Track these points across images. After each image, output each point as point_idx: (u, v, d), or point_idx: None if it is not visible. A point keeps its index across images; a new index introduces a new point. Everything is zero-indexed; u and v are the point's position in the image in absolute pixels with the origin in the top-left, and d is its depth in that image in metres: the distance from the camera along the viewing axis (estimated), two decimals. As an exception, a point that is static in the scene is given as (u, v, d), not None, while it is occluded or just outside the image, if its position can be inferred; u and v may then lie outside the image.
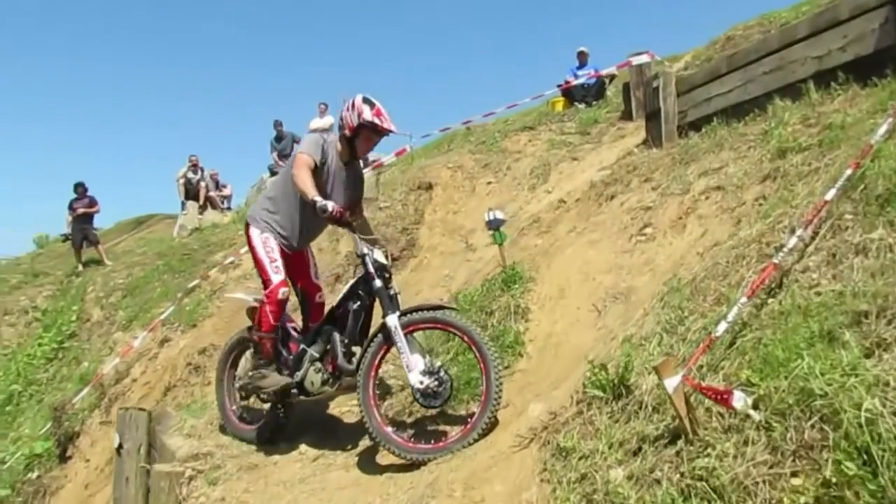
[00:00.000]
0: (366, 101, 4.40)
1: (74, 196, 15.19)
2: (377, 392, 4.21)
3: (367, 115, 4.35)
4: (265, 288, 4.50)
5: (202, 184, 15.88)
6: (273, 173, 15.90)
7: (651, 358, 3.11)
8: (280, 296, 4.45)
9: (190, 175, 15.91)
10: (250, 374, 4.68)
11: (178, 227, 16.03)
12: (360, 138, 4.46)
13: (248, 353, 5.12)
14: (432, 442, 3.95)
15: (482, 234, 7.90)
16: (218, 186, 16.55)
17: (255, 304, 4.80)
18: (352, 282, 4.45)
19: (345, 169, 4.60)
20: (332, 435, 4.95)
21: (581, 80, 11.44)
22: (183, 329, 8.90)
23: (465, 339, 4.05)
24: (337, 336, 4.35)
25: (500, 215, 5.43)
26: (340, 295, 4.45)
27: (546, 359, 4.43)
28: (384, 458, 4.19)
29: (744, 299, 2.72)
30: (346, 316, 4.35)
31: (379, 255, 4.27)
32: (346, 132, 4.44)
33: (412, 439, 4.07)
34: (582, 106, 11.23)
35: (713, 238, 4.37)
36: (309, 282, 4.93)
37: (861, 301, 2.47)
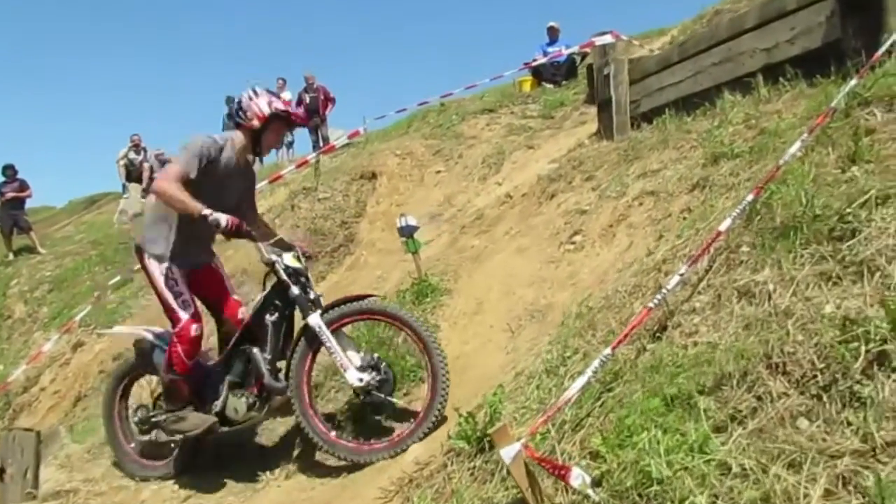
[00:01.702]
0: (269, 91, 4.35)
1: (3, 179, 14.94)
2: (314, 399, 4.21)
3: (278, 104, 4.29)
4: (174, 326, 4.23)
5: (145, 164, 15.61)
6: (229, 154, 15.66)
7: (523, 407, 3.02)
8: (193, 333, 4.18)
9: (132, 156, 15.65)
10: (164, 417, 4.41)
11: (119, 212, 15.81)
12: (269, 131, 4.29)
13: (144, 382, 5.00)
14: (383, 441, 3.94)
15: (426, 229, 7.76)
16: (164, 167, 16.23)
17: (148, 338, 4.64)
18: (264, 292, 4.27)
19: (241, 168, 4.40)
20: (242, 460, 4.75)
21: (548, 59, 11.19)
22: (99, 332, 8.72)
23: (400, 326, 4.10)
24: (258, 353, 4.18)
25: (412, 221, 5.33)
26: (253, 309, 4.31)
27: (452, 385, 4.30)
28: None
29: (608, 350, 2.60)
30: (265, 330, 4.21)
31: (290, 260, 4.16)
32: (255, 123, 4.23)
33: (360, 441, 4.05)
34: (550, 87, 11.04)
35: (635, 253, 4.28)
36: (226, 299, 4.59)
37: (728, 359, 2.36)
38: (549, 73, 11.26)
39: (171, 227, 4.24)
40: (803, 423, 2.03)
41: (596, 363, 2.59)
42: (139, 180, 15.77)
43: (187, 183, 3.98)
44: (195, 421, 4.28)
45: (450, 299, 5.11)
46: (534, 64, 10.99)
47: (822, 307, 2.30)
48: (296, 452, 4.52)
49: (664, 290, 2.79)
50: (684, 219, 4.13)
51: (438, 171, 8.84)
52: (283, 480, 4.24)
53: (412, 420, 3.93)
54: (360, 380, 3.90)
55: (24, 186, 15.02)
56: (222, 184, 4.20)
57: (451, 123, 10.14)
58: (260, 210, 10.49)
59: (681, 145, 5.26)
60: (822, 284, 2.41)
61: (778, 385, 2.16)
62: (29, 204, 15.77)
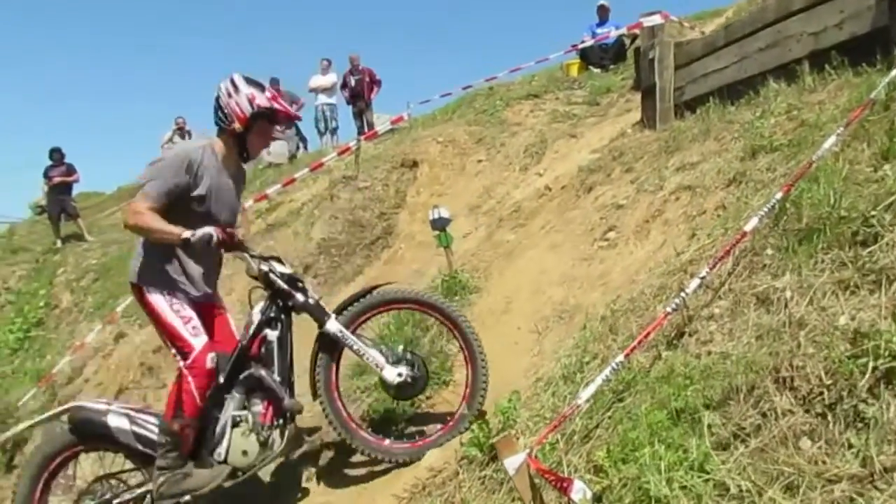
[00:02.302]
0: (251, 82, 3.75)
1: (50, 163, 14.91)
2: (345, 405, 3.97)
3: (262, 100, 3.70)
4: (184, 358, 3.65)
5: (190, 148, 15.88)
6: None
7: (537, 415, 3.02)
8: (209, 364, 3.65)
9: (176, 139, 15.92)
10: (161, 481, 3.66)
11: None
12: (253, 132, 3.77)
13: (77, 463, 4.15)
14: (418, 438, 3.92)
15: (465, 220, 7.83)
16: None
17: (89, 406, 3.99)
18: (256, 309, 3.87)
19: (229, 175, 3.87)
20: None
21: (595, 41, 10.98)
22: (141, 323, 8.94)
23: (424, 309, 4.00)
24: (268, 375, 3.74)
25: (444, 214, 5.31)
26: (249, 329, 3.83)
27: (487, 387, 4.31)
28: None
29: (620, 358, 2.60)
30: (270, 349, 3.80)
31: (281, 267, 3.89)
32: (237, 126, 3.70)
33: (400, 441, 3.98)
34: (597, 71, 10.88)
35: (667, 252, 4.22)
36: (227, 334, 4.05)
37: (737, 372, 2.33)
38: (597, 57, 11.07)
39: (171, 253, 3.75)
40: (806, 442, 2.00)
41: (607, 371, 2.59)
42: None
43: (166, 208, 3.56)
44: (204, 476, 3.69)
45: (479, 297, 5.12)
46: (581, 46, 10.85)
47: (837, 318, 2.25)
48: (315, 459, 4.51)
49: (682, 295, 2.76)
50: (718, 216, 4.07)
51: (480, 161, 8.83)
52: (304, 484, 4.27)
53: (459, 404, 3.87)
54: (399, 375, 3.73)
55: (70, 171, 14.97)
56: (214, 198, 3.75)
57: (494, 109, 10.11)
58: (301, 200, 10.77)
59: (722, 136, 5.17)
60: (840, 293, 2.35)
61: (784, 401, 2.12)
62: (78, 189, 15.96)
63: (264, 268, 3.82)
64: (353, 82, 15.01)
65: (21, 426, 4.80)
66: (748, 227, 2.90)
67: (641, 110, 6.94)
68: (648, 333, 2.66)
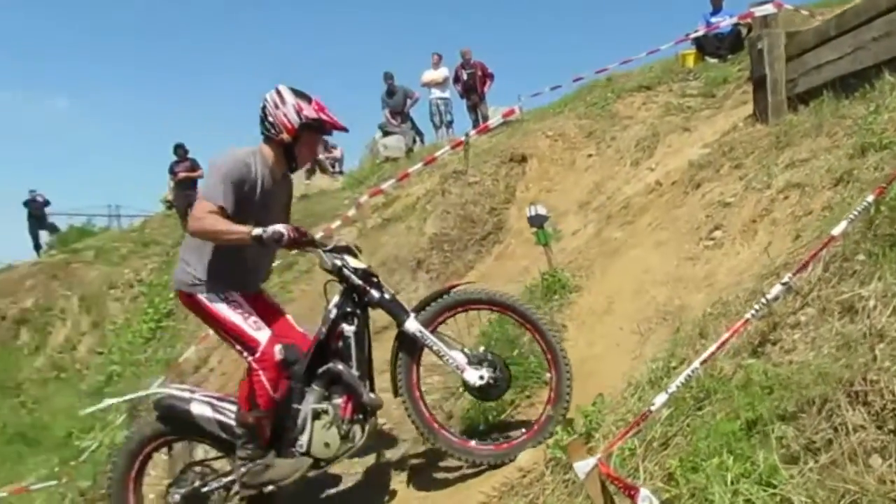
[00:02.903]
0: (297, 93, 3.82)
1: (175, 159, 15.53)
2: (428, 405, 4.00)
3: (309, 111, 3.78)
4: (252, 353, 3.75)
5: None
6: (385, 133, 16.26)
7: (621, 419, 3.14)
8: (277, 355, 3.74)
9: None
10: (244, 471, 3.80)
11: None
12: (301, 143, 3.85)
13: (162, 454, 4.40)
14: (502, 441, 3.93)
15: (575, 217, 7.93)
16: (327, 148, 17.04)
17: (174, 394, 4.13)
18: (332, 304, 3.92)
19: (279, 183, 3.97)
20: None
21: (709, 30, 10.71)
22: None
23: (504, 310, 3.96)
24: (346, 370, 3.82)
25: (542, 211, 5.38)
26: (324, 325, 3.90)
27: (574, 391, 4.40)
28: None
29: (696, 365, 2.70)
30: (347, 344, 3.87)
31: (355, 262, 3.91)
32: (284, 137, 3.78)
33: (485, 443, 3.99)
34: (714, 61, 10.64)
35: (773, 252, 4.22)
36: (287, 323, 4.17)
37: (814, 383, 2.39)
38: (713, 47, 10.79)
39: (214, 254, 3.83)
40: (876, 460, 2.04)
41: (681, 379, 2.69)
42: (305, 162, 16.69)
43: (224, 215, 3.61)
44: (287, 467, 3.80)
45: (579, 297, 5.21)
46: (693, 35, 10.64)
47: (921, 331, 2.28)
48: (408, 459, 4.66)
49: (762, 301, 2.83)
50: (824, 217, 4.03)
51: (590, 155, 8.87)
52: (394, 485, 4.40)
53: (543, 407, 3.90)
54: (482, 377, 3.71)
55: (194, 166, 15.42)
56: (264, 206, 3.82)
57: (606, 102, 10.09)
58: (416, 194, 11.09)
59: (835, 132, 5.06)
60: (929, 304, 2.38)
61: (856, 416, 2.16)
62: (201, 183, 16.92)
63: (338, 263, 3.85)
64: (465, 76, 15.23)
65: (113, 401, 5.05)
66: (836, 231, 2.92)
67: (753, 103, 6.81)
68: (725, 341, 2.74)
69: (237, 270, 3.88)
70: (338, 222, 11.38)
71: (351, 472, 4.77)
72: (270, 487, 3.81)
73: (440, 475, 4.21)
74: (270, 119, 3.80)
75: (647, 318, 4.65)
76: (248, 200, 3.70)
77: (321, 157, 16.73)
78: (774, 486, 2.15)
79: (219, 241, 3.68)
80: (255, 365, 3.74)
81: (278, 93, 3.81)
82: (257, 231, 3.52)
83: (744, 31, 10.45)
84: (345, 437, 3.80)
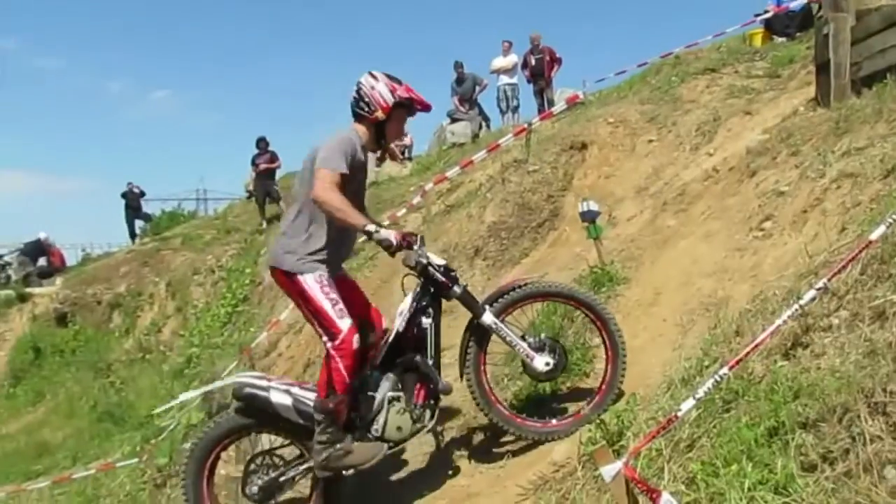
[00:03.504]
0: (389, 76, 4.09)
1: (256, 151, 16.37)
2: (490, 384, 4.27)
3: (401, 91, 4.05)
4: (332, 339, 3.91)
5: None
6: (453, 119, 16.29)
7: (652, 418, 3.11)
8: (355, 344, 3.90)
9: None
10: (324, 454, 3.93)
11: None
12: (393, 120, 4.10)
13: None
14: (568, 417, 4.19)
15: (631, 203, 7.80)
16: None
17: (249, 382, 4.23)
18: (410, 297, 4.15)
19: (365, 162, 4.19)
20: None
21: (780, 9, 10.29)
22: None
23: (570, 302, 4.27)
24: (423, 360, 4.06)
25: (594, 206, 5.38)
26: (403, 318, 4.10)
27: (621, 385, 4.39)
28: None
29: (724, 370, 2.65)
30: (423, 335, 4.09)
31: (436, 259, 4.13)
32: (379, 114, 4.02)
33: (540, 420, 4.24)
34: (782, 40, 10.24)
35: (820, 245, 4.08)
36: (368, 308, 4.42)
37: (837, 391, 2.32)
38: (782, 25, 10.37)
39: (316, 233, 4.03)
40: (890, 471, 1.99)
41: (709, 384, 2.65)
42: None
43: (340, 186, 3.83)
44: (367, 451, 3.98)
45: (627, 289, 5.16)
46: (764, 16, 10.27)
47: (941, 342, 2.19)
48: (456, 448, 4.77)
49: (796, 306, 2.75)
50: (871, 209, 3.89)
51: (650, 141, 8.68)
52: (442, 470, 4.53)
53: (591, 397, 4.16)
54: (547, 364, 4.02)
55: (274, 158, 16.29)
56: (356, 181, 4.08)
57: (669, 86, 9.85)
58: (479, 181, 11.09)
59: (894, 118, 4.87)
60: (952, 313, 2.28)
61: (874, 426, 2.10)
62: (280, 173, 17.44)
63: (423, 261, 4.04)
64: (533, 62, 15.14)
65: (188, 395, 5.27)
66: (874, 236, 2.81)
67: (816, 87, 6.58)
68: (755, 348, 2.68)
69: (334, 251, 4.08)
70: (403, 210, 11.50)
71: (400, 458, 4.87)
72: (350, 471, 4.00)
73: (483, 467, 4.35)
74: (366, 98, 4.04)
75: (690, 310, 4.61)
76: (352, 174, 3.93)
77: (391, 144, 16.86)
78: (790, 494, 2.13)
79: (333, 216, 3.84)
80: (333, 352, 3.91)
81: (373, 75, 4.08)
82: (371, 227, 3.77)
83: (815, 7, 10.04)
84: (416, 421, 4.05)
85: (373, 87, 4.03)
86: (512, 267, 8.13)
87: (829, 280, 2.77)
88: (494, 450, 4.39)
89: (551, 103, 14.24)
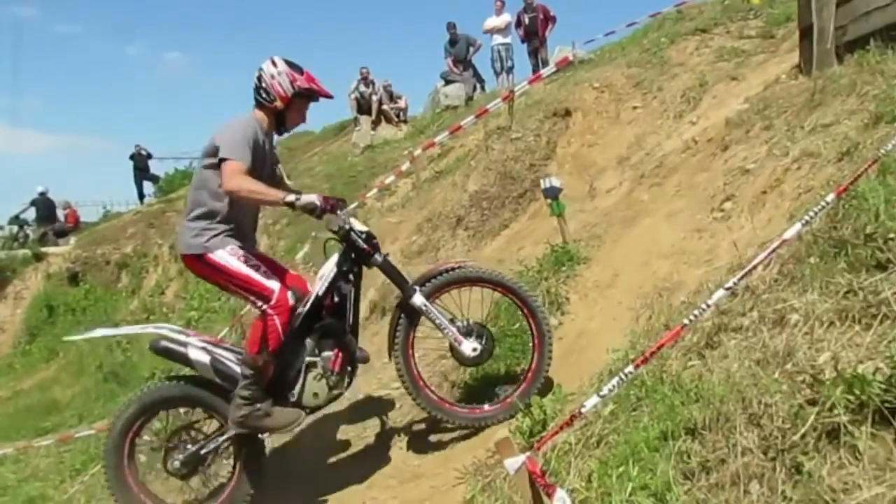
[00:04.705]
0: (291, 64, 4.19)
1: None
2: (418, 367, 4.34)
3: (302, 81, 4.16)
4: (266, 301, 4.03)
5: (374, 97, 16.67)
6: (447, 82, 16.21)
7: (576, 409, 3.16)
8: (291, 300, 4.07)
9: (362, 89, 16.73)
10: (244, 410, 4.04)
11: (352, 145, 17.12)
12: (292, 109, 4.24)
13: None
14: (495, 404, 4.27)
15: (613, 173, 7.77)
16: (392, 98, 17.20)
17: (167, 334, 4.32)
18: (331, 262, 4.23)
19: (269, 144, 4.30)
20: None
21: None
22: (316, 270, 9.62)
23: (497, 288, 4.30)
24: (339, 326, 4.18)
25: (556, 182, 5.40)
26: (324, 282, 4.19)
27: (566, 365, 4.40)
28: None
29: (630, 368, 2.68)
30: (343, 301, 4.21)
31: (359, 224, 4.22)
32: (279, 104, 4.16)
33: (473, 407, 4.35)
34: (780, -4, 10.03)
35: (773, 230, 4.08)
36: (288, 273, 4.50)
37: (726, 398, 2.36)
38: (783, -22, 10.19)
39: (218, 214, 4.13)
40: (755, 486, 2.04)
41: (614, 381, 2.69)
42: (370, 112, 16.87)
43: (249, 173, 3.93)
44: (286, 416, 4.13)
45: (587, 269, 5.17)
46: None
47: (820, 354, 2.21)
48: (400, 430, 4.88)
49: (703, 307, 2.77)
50: (820, 195, 3.86)
51: (635, 107, 8.60)
52: (393, 451, 4.65)
53: (519, 382, 4.26)
54: (475, 349, 4.13)
55: None
56: (263, 167, 4.16)
57: (658, 48, 9.72)
58: (468, 147, 11.03)
59: (865, 91, 4.82)
60: (837, 324, 2.29)
61: (748, 439, 2.15)
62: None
63: (345, 225, 4.13)
64: (526, 20, 14.99)
65: (102, 331, 5.07)
66: (788, 235, 2.82)
67: (799, 52, 6.46)
68: (661, 346, 2.71)
69: (240, 227, 4.22)
70: (392, 177, 11.49)
71: (348, 437, 5.07)
72: (266, 435, 4.24)
73: (433, 447, 4.48)
74: (266, 87, 4.16)
75: (645, 294, 4.62)
76: (257, 161, 4.02)
77: (385, 107, 16.86)
78: (667, 502, 2.17)
79: (252, 201, 4.08)
80: (270, 311, 4.03)
81: (274, 63, 4.18)
82: (290, 198, 3.89)
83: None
84: (332, 388, 4.18)
85: (272, 77, 4.14)
86: (492, 238, 8.15)
87: (737, 281, 2.77)
88: (447, 431, 4.48)
89: (546, 63, 14.12)
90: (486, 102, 11.55)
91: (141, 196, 22.52)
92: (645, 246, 5.12)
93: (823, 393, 2.00)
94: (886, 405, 1.85)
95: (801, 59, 6.33)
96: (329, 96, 4.37)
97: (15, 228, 21.91)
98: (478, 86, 16.45)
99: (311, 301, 4.19)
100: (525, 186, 8.50)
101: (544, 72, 11.29)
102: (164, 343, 4.26)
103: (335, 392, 4.21)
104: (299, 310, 4.17)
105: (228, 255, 4.10)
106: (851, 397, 1.92)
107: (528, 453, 2.58)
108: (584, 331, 4.68)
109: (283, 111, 4.22)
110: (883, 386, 1.87)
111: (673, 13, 11.74)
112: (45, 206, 21.55)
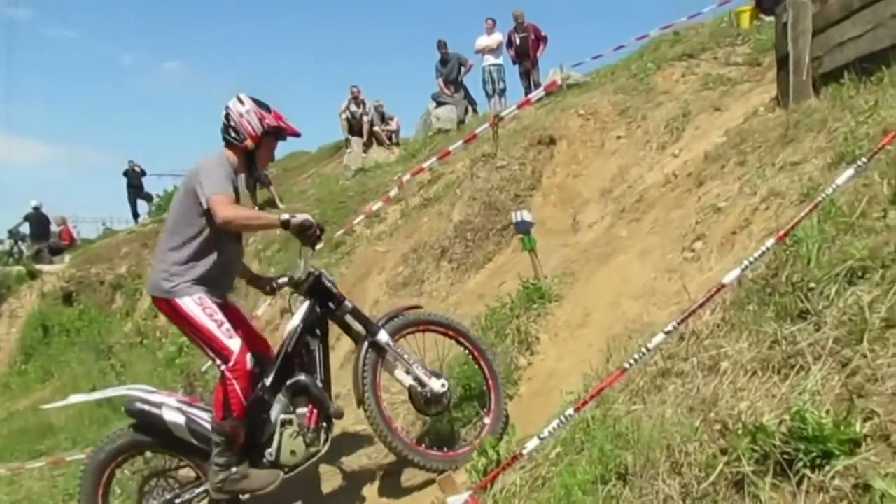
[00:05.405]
0: (258, 102, 4.29)
1: None
2: (386, 409, 4.35)
3: (270, 119, 4.27)
4: (225, 362, 4.05)
5: (365, 118, 16.83)
6: (438, 103, 16.41)
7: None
8: (248, 365, 4.07)
9: (353, 108, 16.89)
10: (221, 476, 4.06)
11: (343, 168, 17.28)
12: (262, 148, 4.34)
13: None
14: (464, 446, 4.35)
15: (596, 206, 7.94)
16: (384, 119, 17.35)
17: (142, 396, 4.35)
18: (297, 318, 4.31)
19: (238, 184, 4.32)
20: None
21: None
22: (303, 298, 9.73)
23: (454, 336, 4.51)
24: (312, 381, 4.22)
25: (527, 217, 5.54)
26: (291, 336, 4.28)
27: (534, 407, 4.54)
28: None
29: (570, 411, 2.83)
30: (312, 356, 4.30)
31: (326, 273, 4.40)
32: (249, 143, 4.24)
33: (445, 450, 4.40)
34: (769, 19, 10.23)
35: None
36: (254, 333, 4.62)
37: (654, 444, 2.50)
38: (771, 2, 10.36)
39: (202, 261, 4.17)
40: (673, 532, 2.17)
41: (554, 424, 2.84)
42: (361, 133, 17.02)
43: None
44: (263, 478, 4.13)
45: (558, 307, 5.31)
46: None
47: (740, 403, 2.36)
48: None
49: (643, 350, 2.92)
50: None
51: (619, 137, 8.78)
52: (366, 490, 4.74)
53: (482, 427, 4.39)
54: (443, 385, 4.30)
55: None
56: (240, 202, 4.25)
57: (645, 73, 9.92)
58: (457, 174, 11.20)
59: (835, 128, 4.95)
60: (759, 373, 2.44)
61: (670, 486, 2.29)
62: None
63: (315, 272, 4.29)
64: (517, 40, 15.20)
65: (76, 398, 4.99)
66: (727, 280, 2.97)
67: (777, 84, 6.60)
68: (600, 390, 2.86)
69: (215, 275, 4.23)
70: (380, 203, 11.64)
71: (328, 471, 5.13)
72: (247, 496, 4.17)
73: (402, 483, 4.56)
74: (235, 126, 4.25)
75: (615, 336, 4.71)
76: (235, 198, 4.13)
77: (377, 128, 17.04)
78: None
79: (250, 227, 4.34)
80: (228, 374, 4.05)
81: (240, 101, 4.29)
82: (285, 216, 4.00)
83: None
84: (309, 445, 4.19)
85: (241, 115, 4.24)
86: (476, 272, 8.29)
87: (676, 325, 2.92)
88: (404, 475, 4.58)
89: (537, 86, 14.27)
90: (477, 126, 11.74)
91: (135, 215, 22.94)
92: (615, 285, 5.26)
93: (732, 443, 2.15)
94: (785, 457, 1.99)
95: (779, 91, 6.43)
96: (297, 134, 4.49)
97: (12, 243, 22.34)
98: (469, 108, 16.61)
99: (280, 357, 4.28)
100: (509, 218, 8.63)
101: (533, 96, 11.50)
102: (139, 405, 4.30)
103: (312, 450, 4.22)
104: (264, 378, 4.26)
105: (194, 305, 4.13)
106: (756, 448, 2.06)
107: (469, 492, 2.73)
108: (553, 372, 4.80)
109: (254, 150, 4.31)
110: (784, 437, 2.01)
111: (669, 36, 11.95)
112: (38, 222, 21.64)
